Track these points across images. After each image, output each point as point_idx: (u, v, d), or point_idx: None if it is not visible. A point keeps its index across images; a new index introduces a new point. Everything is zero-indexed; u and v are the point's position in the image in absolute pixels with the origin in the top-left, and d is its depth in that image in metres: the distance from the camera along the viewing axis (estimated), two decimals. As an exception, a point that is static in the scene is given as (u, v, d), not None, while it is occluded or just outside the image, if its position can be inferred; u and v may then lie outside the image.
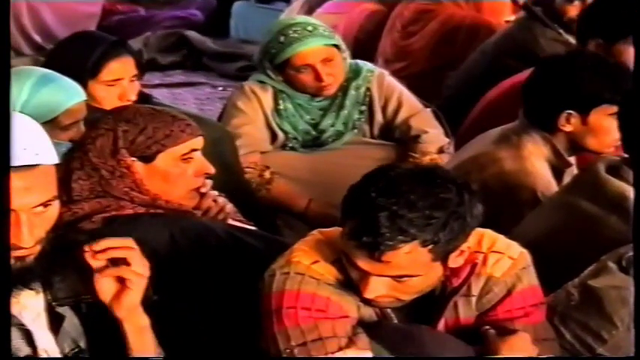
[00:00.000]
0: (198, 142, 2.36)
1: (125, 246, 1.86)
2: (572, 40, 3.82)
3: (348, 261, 1.93)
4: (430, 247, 1.87)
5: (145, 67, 3.28)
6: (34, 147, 1.84)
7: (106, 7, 6.32)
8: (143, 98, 3.19)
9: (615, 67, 2.74)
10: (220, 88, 5.48)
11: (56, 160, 1.91)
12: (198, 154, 2.37)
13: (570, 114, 2.71)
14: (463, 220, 1.90)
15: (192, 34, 6.11)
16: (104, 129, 2.31)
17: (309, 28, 3.43)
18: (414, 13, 4.63)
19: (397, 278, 1.90)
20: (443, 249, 1.90)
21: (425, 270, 1.92)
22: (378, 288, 1.91)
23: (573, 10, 3.86)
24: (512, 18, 4.32)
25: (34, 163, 1.82)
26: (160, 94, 5.42)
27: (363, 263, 1.89)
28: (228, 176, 3.22)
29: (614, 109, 2.46)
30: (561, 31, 3.93)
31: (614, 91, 2.60)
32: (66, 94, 2.72)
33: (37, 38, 5.88)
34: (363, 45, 4.70)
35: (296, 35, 3.40)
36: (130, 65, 3.09)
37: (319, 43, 3.41)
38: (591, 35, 3.38)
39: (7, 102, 1.76)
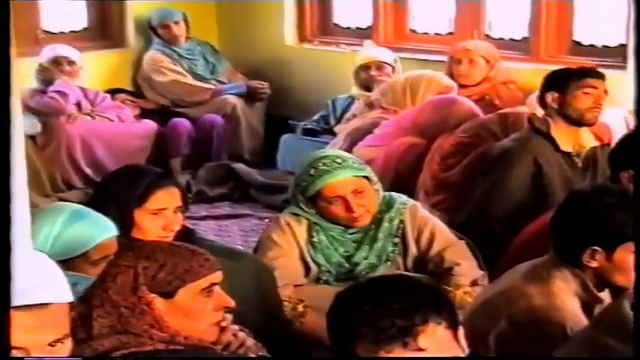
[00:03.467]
0: (218, 276, 2.35)
1: None
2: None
3: None
4: (445, 323, 1.87)
5: (188, 200, 3.31)
6: (46, 285, 1.85)
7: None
8: (186, 232, 3.22)
9: (641, 203, 2.69)
10: (266, 220, 5.48)
11: (70, 298, 1.92)
12: (217, 289, 2.35)
13: (595, 250, 2.66)
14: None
15: (239, 166, 6.17)
16: (124, 266, 2.31)
17: (338, 160, 3.46)
18: (453, 146, 4.64)
19: None
20: (454, 324, 1.90)
21: (456, 349, 1.89)
22: None
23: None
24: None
25: (46, 302, 1.83)
26: (206, 226, 5.49)
27: None
28: (267, 309, 3.24)
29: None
30: None
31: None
32: (96, 229, 2.76)
33: (89, 171, 5.98)
34: (403, 178, 4.70)
35: (325, 167, 3.43)
36: (175, 196, 3.13)
37: (348, 175, 3.43)
38: (622, 167, 3.42)
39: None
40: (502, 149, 4.28)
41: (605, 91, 4.21)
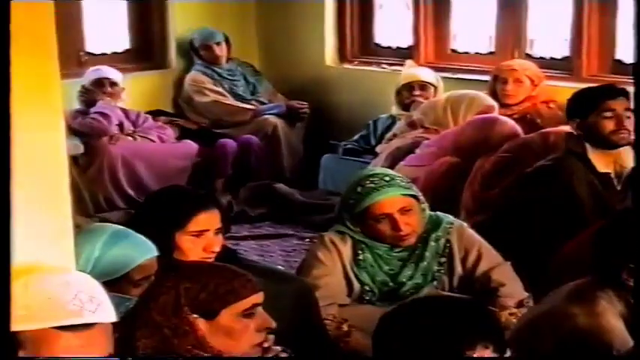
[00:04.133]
0: (259, 297, 2.35)
1: None
2: None
3: None
4: (493, 347, 1.88)
5: (229, 221, 3.31)
6: (91, 305, 1.86)
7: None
8: (227, 253, 3.22)
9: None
10: (307, 240, 5.49)
11: (114, 318, 1.93)
12: (259, 309, 2.35)
13: (632, 268, 2.63)
14: None
15: (280, 186, 6.17)
16: (166, 286, 2.31)
17: (387, 178, 3.46)
18: (494, 166, 4.61)
19: None
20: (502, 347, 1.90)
21: None
22: None
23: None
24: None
25: (91, 322, 1.84)
26: (247, 246, 5.48)
27: None
28: (310, 330, 3.24)
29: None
30: None
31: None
32: (137, 250, 2.76)
33: (131, 192, 5.98)
34: (444, 197, 4.66)
35: (373, 185, 3.43)
36: (215, 218, 3.14)
37: (396, 193, 3.43)
38: None
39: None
40: (535, 170, 4.22)
41: (628, 109, 4.07)
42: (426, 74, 6.09)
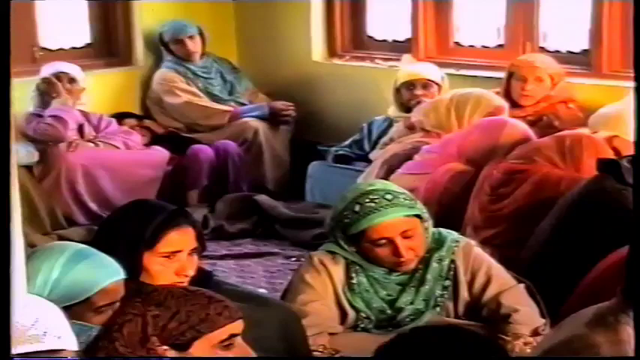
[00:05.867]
0: (238, 326, 2.35)
1: None
2: None
3: None
4: None
5: (204, 240, 3.29)
6: (54, 331, 1.88)
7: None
8: (202, 276, 3.21)
9: None
10: (294, 259, 5.50)
11: (75, 347, 1.94)
12: (239, 340, 2.35)
13: None
14: None
15: (263, 198, 6.16)
16: (132, 314, 2.31)
17: (388, 196, 3.43)
18: (504, 174, 4.60)
19: None
20: None
21: None
22: None
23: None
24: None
25: (58, 348, 1.85)
26: (226, 266, 5.50)
27: None
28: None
29: None
30: None
31: None
32: (101, 272, 2.74)
33: (93, 206, 5.97)
34: (448, 210, 4.67)
35: (373, 205, 3.40)
36: (189, 237, 3.13)
37: (399, 215, 3.41)
38: None
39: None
40: (572, 202, 4.15)
41: None
42: (430, 71, 6.09)
